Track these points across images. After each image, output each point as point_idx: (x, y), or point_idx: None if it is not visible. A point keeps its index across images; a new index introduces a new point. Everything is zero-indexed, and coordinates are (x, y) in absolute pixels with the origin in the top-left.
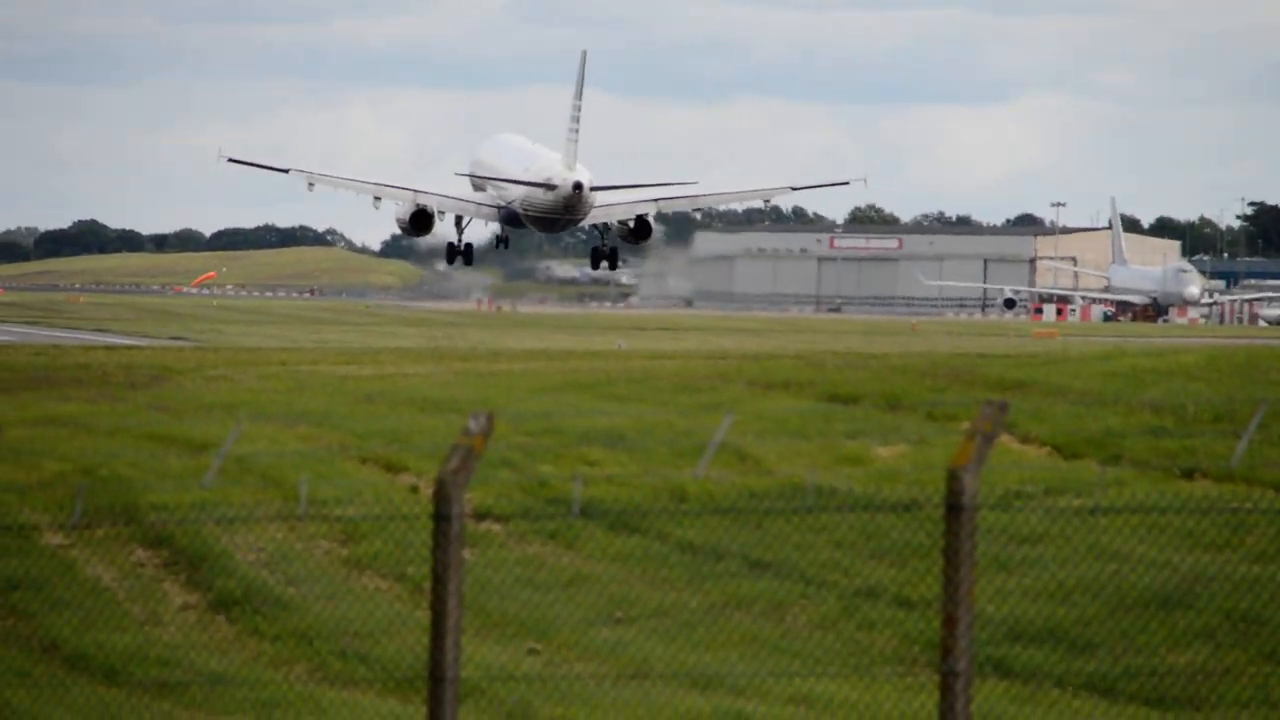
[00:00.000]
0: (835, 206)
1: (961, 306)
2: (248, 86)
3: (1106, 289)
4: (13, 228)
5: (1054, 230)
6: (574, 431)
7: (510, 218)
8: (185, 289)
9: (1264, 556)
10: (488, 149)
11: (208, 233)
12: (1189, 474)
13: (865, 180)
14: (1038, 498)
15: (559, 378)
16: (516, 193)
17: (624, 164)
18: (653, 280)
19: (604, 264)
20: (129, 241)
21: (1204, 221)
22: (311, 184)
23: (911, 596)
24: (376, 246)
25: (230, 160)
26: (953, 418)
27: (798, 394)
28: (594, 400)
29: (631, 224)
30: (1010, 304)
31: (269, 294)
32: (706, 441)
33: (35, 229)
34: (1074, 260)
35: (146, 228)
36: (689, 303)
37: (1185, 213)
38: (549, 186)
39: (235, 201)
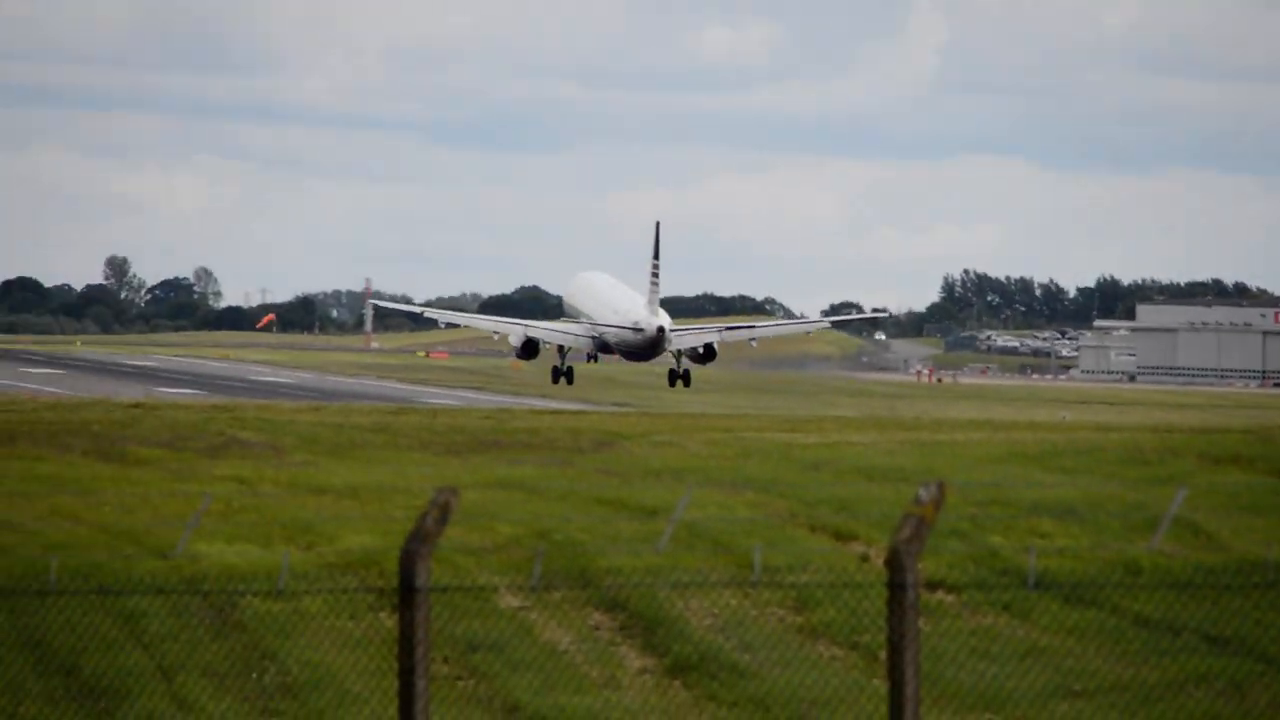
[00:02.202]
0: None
1: None
2: (673, 153)
3: None
4: (457, 293)
5: None
6: (1022, 503)
7: (603, 346)
8: None
9: None
10: (577, 286)
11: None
12: None
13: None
14: None
15: (1003, 448)
16: (610, 330)
17: (1049, 235)
18: (1093, 353)
19: (679, 383)
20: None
21: None
22: (445, 324)
23: None
24: (814, 316)
25: (374, 303)
26: None
27: (1249, 469)
28: (1040, 471)
29: (701, 349)
30: None
31: (709, 366)
32: (1159, 515)
33: (479, 294)
34: None
35: None
36: (1132, 377)
37: None
38: (637, 330)
39: (677, 269)
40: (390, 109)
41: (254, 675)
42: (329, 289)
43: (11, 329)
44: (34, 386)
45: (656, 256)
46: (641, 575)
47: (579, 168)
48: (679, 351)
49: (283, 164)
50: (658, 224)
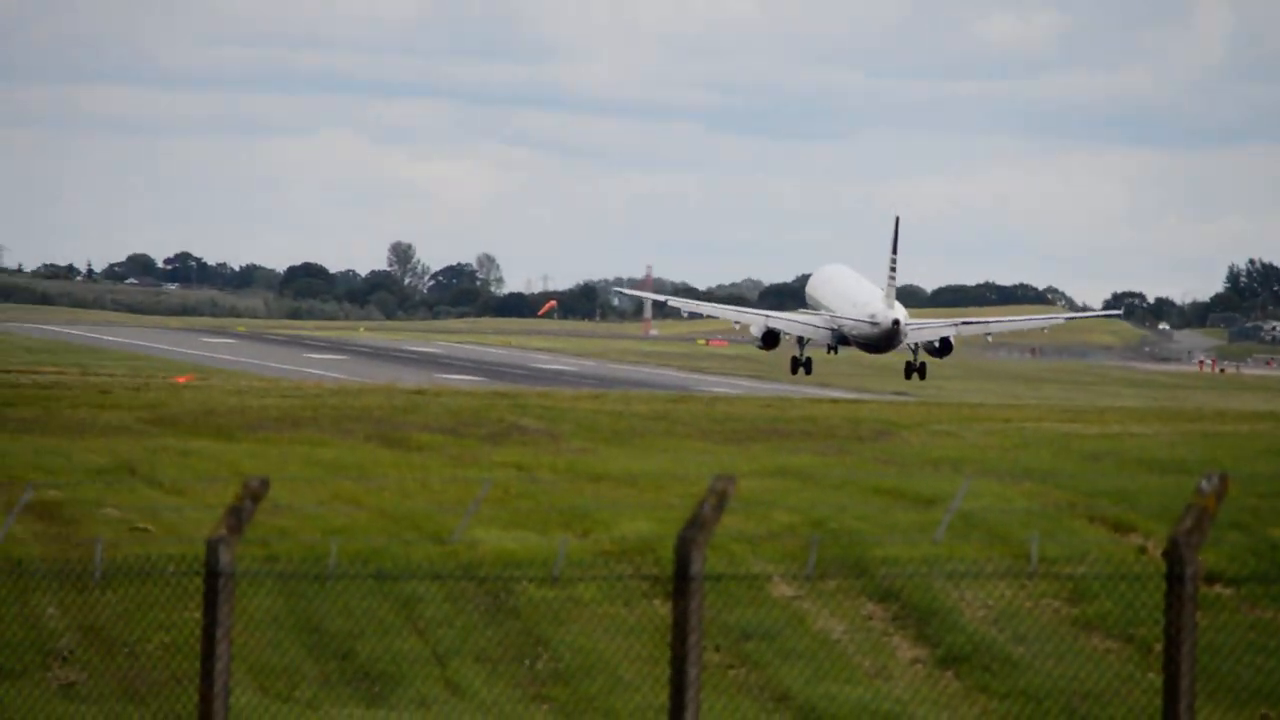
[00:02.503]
0: None
1: None
2: (955, 141)
3: None
4: (739, 280)
5: None
6: None
7: (840, 338)
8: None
9: None
10: (819, 278)
11: (929, 289)
12: None
13: None
14: None
15: None
16: (847, 322)
17: None
18: None
19: (915, 375)
20: None
21: None
22: (687, 313)
23: None
24: (1098, 305)
25: (616, 290)
26: None
27: None
28: None
29: (937, 344)
30: None
31: (988, 353)
32: None
33: (760, 282)
34: None
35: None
36: None
37: None
38: (873, 323)
39: (957, 257)
40: (674, 96)
41: (527, 661)
42: (610, 276)
43: (296, 314)
44: (318, 372)
45: (895, 252)
46: (916, 565)
47: (860, 155)
48: (915, 345)
49: (566, 151)
50: (897, 219)
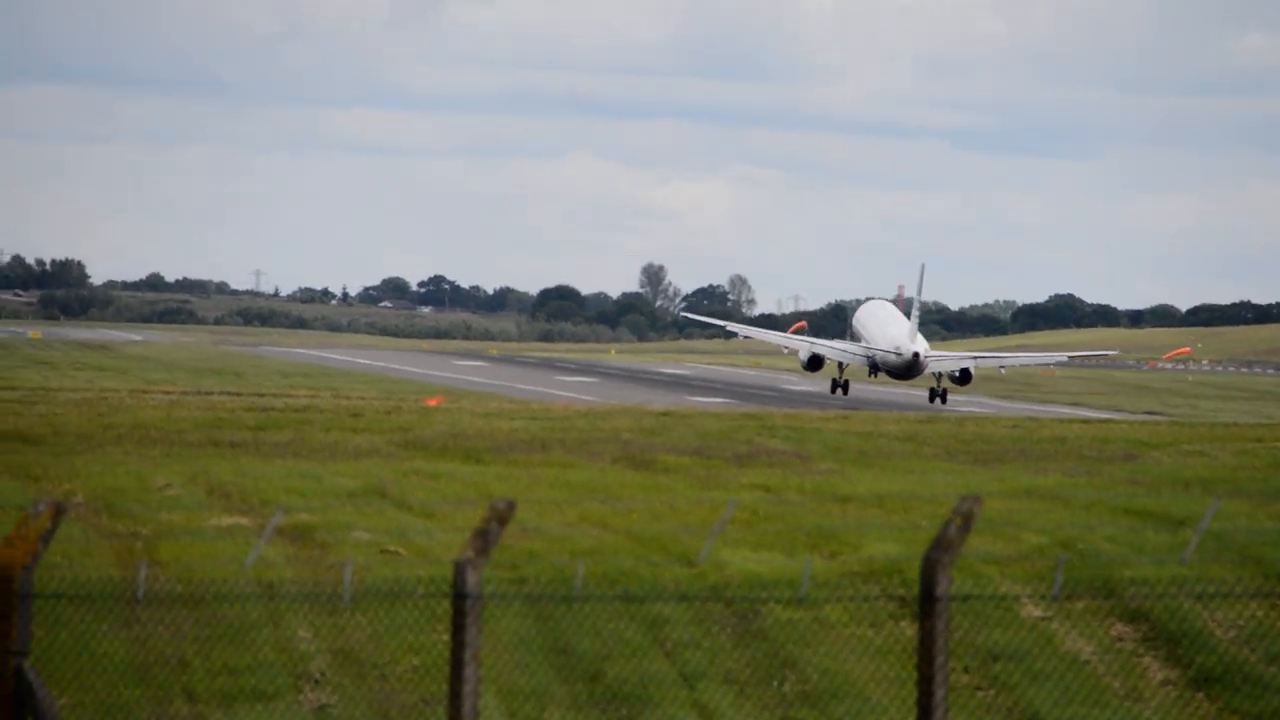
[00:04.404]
0: None
1: None
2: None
3: None
4: (990, 300)
5: None
6: None
7: (873, 366)
8: (1159, 364)
9: None
10: (863, 313)
11: (1183, 307)
12: None
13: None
14: None
15: None
16: (878, 352)
17: None
18: None
19: (938, 400)
20: (1104, 316)
21: None
22: (743, 337)
23: None
24: None
25: (685, 316)
26: None
27: None
28: None
29: (957, 373)
30: None
31: (1243, 370)
32: None
33: (1013, 302)
34: None
35: (1122, 302)
36: None
37: None
38: (898, 354)
39: (1210, 275)
40: (919, 115)
41: (774, 683)
42: (861, 295)
43: (548, 336)
44: (568, 394)
45: (919, 293)
46: (1166, 585)
47: (1108, 172)
48: (939, 374)
49: (815, 170)
50: (923, 266)
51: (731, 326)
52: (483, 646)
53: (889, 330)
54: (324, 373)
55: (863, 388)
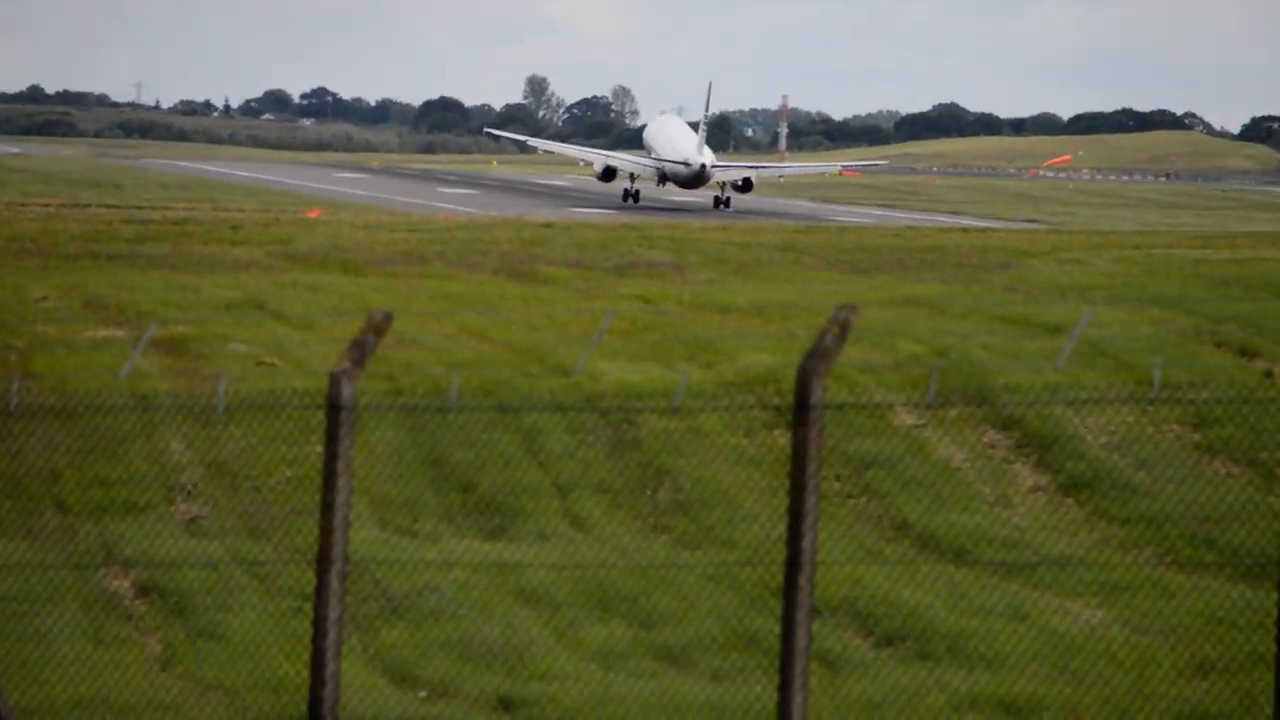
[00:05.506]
0: None
1: None
2: None
3: None
4: (874, 110)
5: None
6: None
7: (663, 176)
8: (1040, 172)
9: None
10: (653, 127)
11: (1065, 116)
12: None
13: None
14: None
15: None
16: (667, 164)
17: None
18: None
19: (721, 205)
20: (987, 125)
21: None
22: (544, 150)
23: None
24: (1235, 130)
25: (487, 132)
26: None
27: None
28: None
29: (740, 182)
30: None
31: (1124, 178)
32: None
33: (896, 112)
34: None
35: (1004, 111)
36: None
37: None
38: (686, 165)
39: (1095, 85)
40: None
41: (648, 492)
42: (745, 107)
43: (430, 149)
44: (448, 206)
45: (707, 110)
46: (1039, 392)
47: None
48: (723, 183)
49: None
50: (710, 84)
51: (532, 142)
52: (357, 458)
53: (678, 143)
54: (204, 185)
55: (654, 195)
